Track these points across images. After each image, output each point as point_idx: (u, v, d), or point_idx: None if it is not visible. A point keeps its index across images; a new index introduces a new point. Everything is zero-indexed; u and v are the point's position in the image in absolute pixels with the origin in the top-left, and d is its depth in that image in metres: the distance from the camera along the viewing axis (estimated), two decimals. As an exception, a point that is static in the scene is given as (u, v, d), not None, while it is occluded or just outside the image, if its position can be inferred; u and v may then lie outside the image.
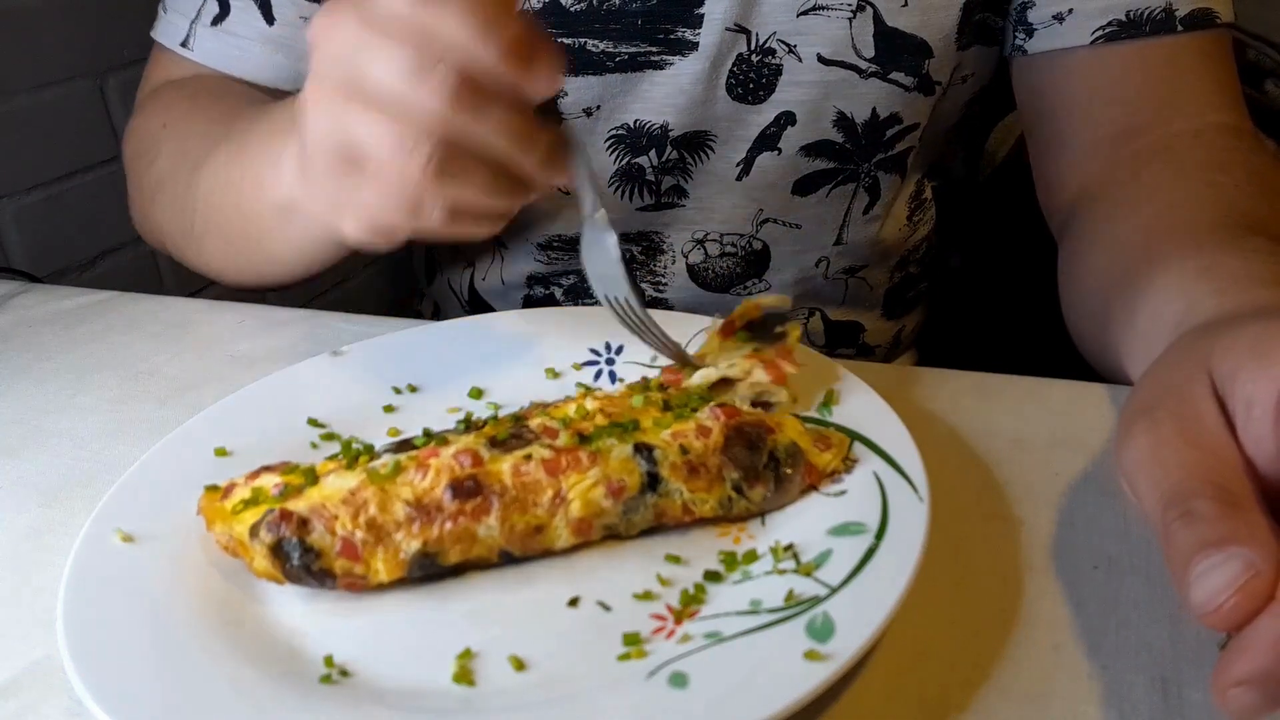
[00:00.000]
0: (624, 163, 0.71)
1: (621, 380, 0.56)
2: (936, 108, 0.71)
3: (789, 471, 0.45)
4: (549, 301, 0.81)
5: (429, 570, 0.43)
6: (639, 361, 0.57)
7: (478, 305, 0.86)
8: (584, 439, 0.45)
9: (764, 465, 0.45)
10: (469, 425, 0.49)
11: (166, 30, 0.75)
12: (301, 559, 0.42)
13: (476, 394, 0.57)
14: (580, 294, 0.80)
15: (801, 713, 0.35)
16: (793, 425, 0.47)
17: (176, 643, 0.40)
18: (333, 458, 0.47)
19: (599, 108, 0.69)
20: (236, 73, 0.72)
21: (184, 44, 0.73)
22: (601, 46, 0.66)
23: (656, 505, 0.44)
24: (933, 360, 0.91)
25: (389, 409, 0.56)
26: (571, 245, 0.77)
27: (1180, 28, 0.62)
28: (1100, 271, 0.58)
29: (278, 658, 0.40)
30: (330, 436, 0.54)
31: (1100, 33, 0.63)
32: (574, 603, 0.42)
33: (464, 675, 0.39)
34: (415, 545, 0.42)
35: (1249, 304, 0.43)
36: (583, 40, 0.66)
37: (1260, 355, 0.34)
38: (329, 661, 0.40)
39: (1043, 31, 0.65)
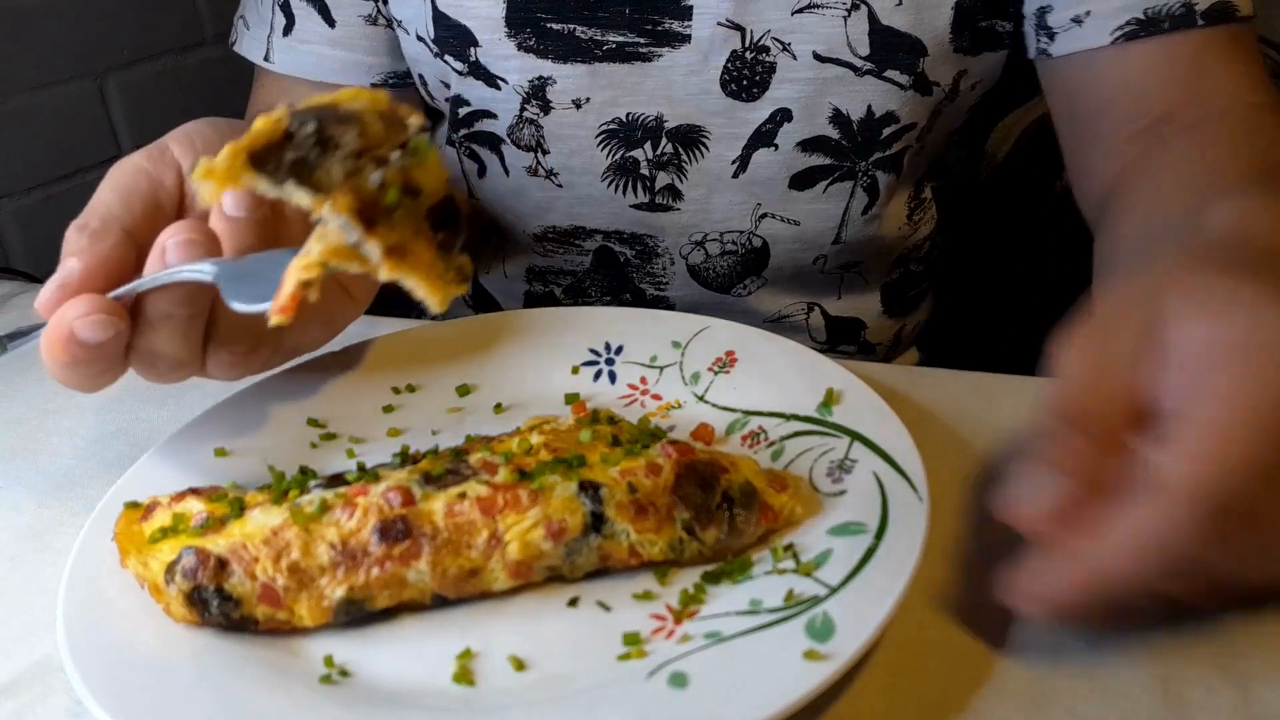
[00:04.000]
0: (618, 156, 0.71)
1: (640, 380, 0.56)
2: (942, 112, 0.71)
3: (743, 513, 0.43)
4: (548, 300, 0.81)
5: (356, 615, 0.41)
6: (639, 361, 0.57)
7: (481, 300, 0.86)
8: (526, 475, 0.43)
9: (717, 505, 0.43)
10: (405, 459, 0.47)
11: (250, 46, 0.77)
12: (220, 608, 0.40)
13: (464, 391, 0.57)
14: (579, 293, 0.80)
15: (801, 713, 0.35)
16: (748, 465, 0.45)
17: (176, 642, 0.40)
18: (265, 488, 0.46)
19: (589, 100, 0.69)
20: (313, 77, 0.75)
21: (266, 58, 0.76)
22: (589, 34, 0.67)
23: (601, 547, 0.42)
24: (934, 359, 0.91)
25: (389, 409, 0.56)
26: (566, 238, 0.77)
27: (1201, 21, 0.62)
28: (1134, 234, 0.58)
29: (278, 657, 0.40)
30: (330, 436, 0.54)
31: (1119, 32, 0.63)
32: (574, 603, 0.42)
33: (464, 675, 0.39)
34: (340, 591, 0.41)
35: (1239, 235, 0.41)
36: (571, 26, 0.67)
37: (1200, 309, 0.35)
38: (329, 661, 0.40)
39: (1063, 35, 0.66)
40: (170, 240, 0.44)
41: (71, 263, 0.44)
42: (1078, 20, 0.65)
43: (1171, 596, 0.37)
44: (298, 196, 0.40)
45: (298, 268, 0.40)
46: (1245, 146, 0.57)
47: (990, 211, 0.94)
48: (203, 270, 0.43)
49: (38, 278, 0.99)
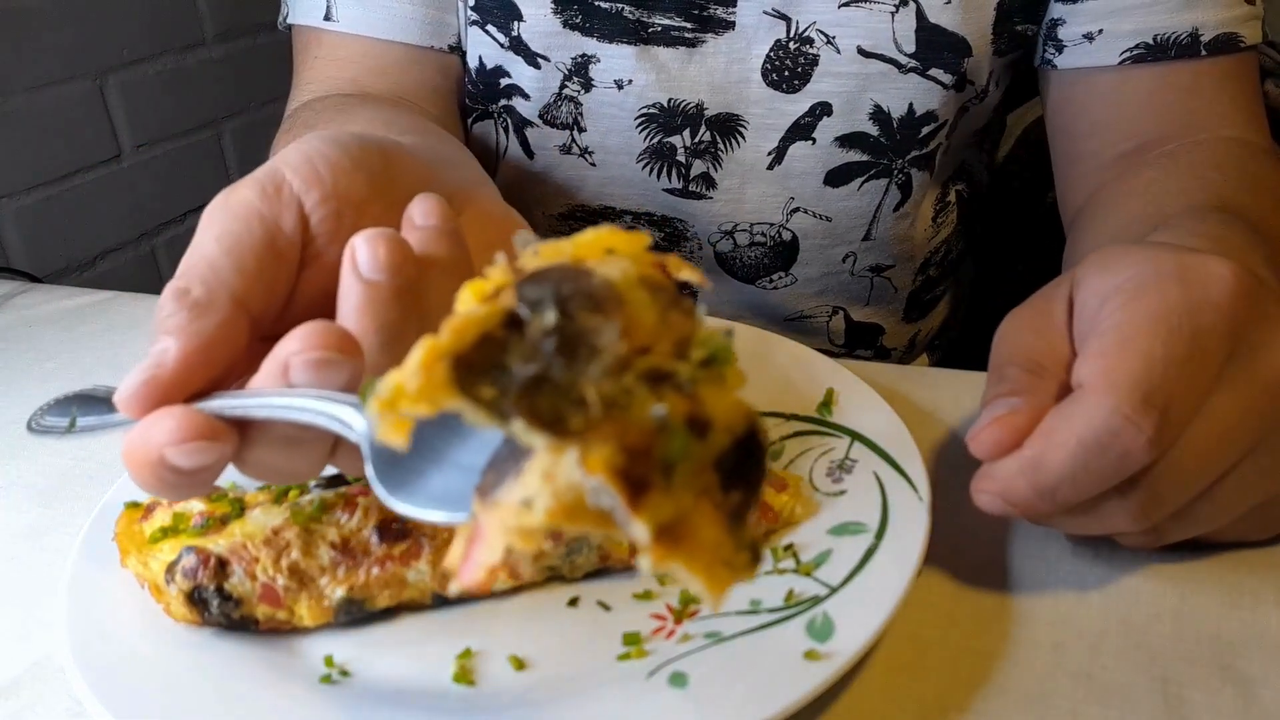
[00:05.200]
0: (655, 141, 0.71)
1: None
2: (969, 109, 0.71)
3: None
4: None
5: (356, 615, 0.41)
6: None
7: None
8: None
9: None
10: None
11: (304, 9, 0.71)
12: (220, 607, 0.40)
13: None
14: None
15: (801, 713, 0.35)
16: None
17: (176, 642, 0.40)
18: (265, 488, 0.45)
19: (631, 81, 0.68)
20: (384, 35, 0.69)
21: (327, 17, 0.70)
22: (637, 15, 0.67)
23: (601, 547, 0.42)
24: (943, 362, 0.91)
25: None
26: (593, 217, 0.76)
27: (1204, 52, 0.63)
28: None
29: (278, 657, 0.40)
30: (330, 436, 0.54)
31: (1127, 54, 0.64)
32: (574, 603, 0.42)
33: (464, 675, 0.39)
34: (340, 591, 0.41)
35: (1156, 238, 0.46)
36: (620, 6, 0.67)
37: (1099, 269, 0.40)
38: (329, 661, 0.40)
39: (1072, 49, 0.66)
40: (297, 356, 0.31)
41: (167, 346, 0.33)
42: (1089, 37, 0.65)
43: (1132, 528, 0.39)
44: (531, 440, 0.25)
45: (509, 523, 0.25)
46: (1201, 179, 0.58)
47: (992, 214, 0.94)
48: (346, 423, 0.31)
49: (38, 277, 0.99)
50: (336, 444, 0.34)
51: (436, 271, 0.35)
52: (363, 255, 0.33)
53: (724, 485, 0.26)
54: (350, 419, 0.30)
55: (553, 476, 0.24)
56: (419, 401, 0.25)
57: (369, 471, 0.31)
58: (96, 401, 0.40)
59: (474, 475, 0.27)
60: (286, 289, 0.36)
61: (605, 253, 0.28)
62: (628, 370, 0.26)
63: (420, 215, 0.37)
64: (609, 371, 0.26)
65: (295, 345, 0.31)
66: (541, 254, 0.29)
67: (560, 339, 0.26)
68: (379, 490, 0.30)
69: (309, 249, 0.36)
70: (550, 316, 0.26)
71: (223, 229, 0.35)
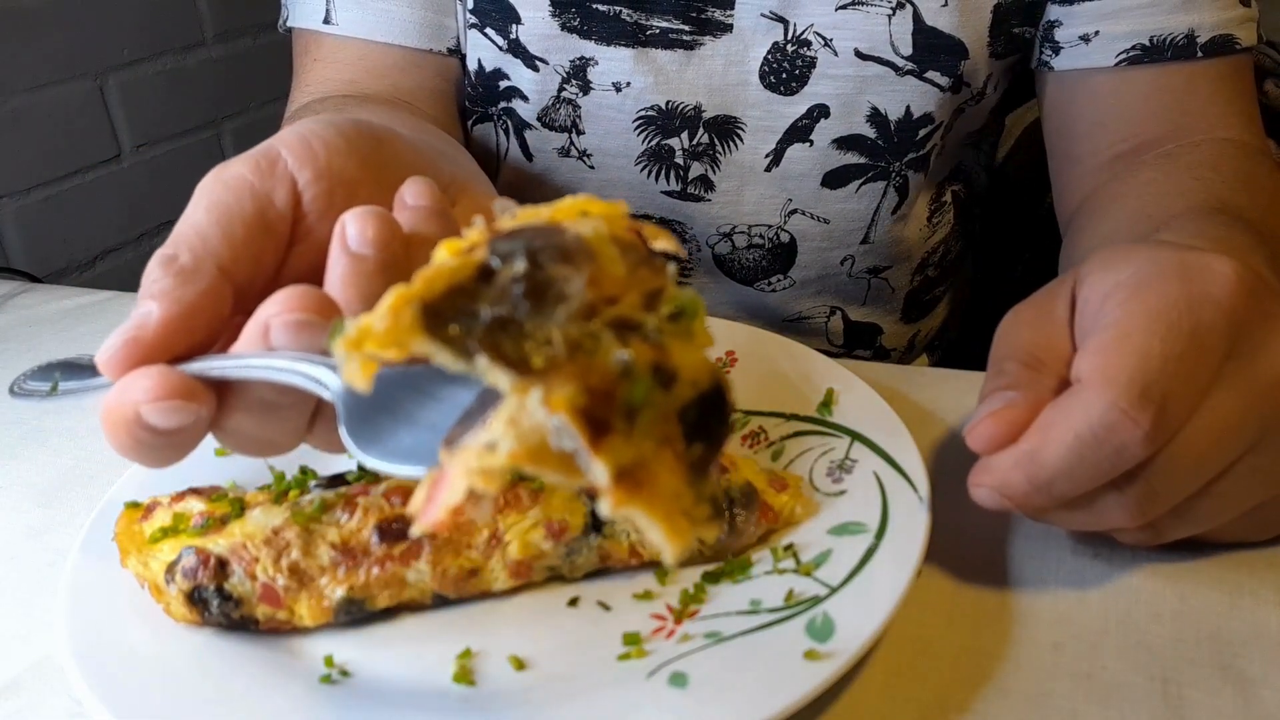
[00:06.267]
0: (654, 143, 0.71)
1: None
2: (965, 110, 0.71)
3: (743, 513, 0.43)
4: None
5: (356, 615, 0.41)
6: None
7: None
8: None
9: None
10: None
11: (303, 12, 0.71)
12: (220, 607, 0.40)
13: None
14: None
15: (801, 713, 0.35)
16: (748, 465, 0.45)
17: (177, 642, 0.40)
18: (265, 488, 0.45)
19: (629, 84, 0.68)
20: (383, 38, 0.69)
21: (326, 20, 0.70)
22: (635, 17, 0.67)
23: (601, 547, 0.42)
24: (942, 362, 0.91)
25: (389, 409, 0.56)
26: None
27: (1200, 54, 0.63)
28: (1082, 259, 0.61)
29: (278, 657, 0.40)
30: (330, 436, 0.54)
31: (1124, 56, 0.64)
32: (574, 603, 0.42)
33: (464, 675, 0.39)
34: (340, 591, 0.40)
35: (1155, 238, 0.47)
36: (618, 9, 0.67)
37: (1103, 267, 0.40)
38: (329, 661, 0.40)
39: (1069, 50, 0.67)
40: (277, 318, 0.32)
41: (149, 309, 0.33)
42: (1085, 39, 0.65)
43: (1128, 522, 0.39)
44: (495, 378, 0.26)
45: (471, 464, 0.26)
46: (1200, 180, 0.58)
47: (991, 215, 0.95)
48: (322, 382, 0.31)
49: (38, 277, 0.99)
50: (314, 416, 0.35)
51: (425, 251, 0.34)
52: (351, 230, 0.34)
53: (687, 437, 0.27)
54: (326, 378, 0.31)
55: (517, 421, 0.25)
56: (386, 342, 0.26)
57: (341, 430, 0.31)
58: (80, 368, 0.40)
59: (444, 433, 0.28)
60: (274, 262, 0.36)
61: (580, 216, 0.30)
62: (595, 317, 0.27)
63: (411, 196, 0.37)
64: (575, 317, 0.27)
65: (275, 308, 0.32)
66: (519, 217, 0.30)
67: (528, 285, 0.27)
68: (349, 444, 0.31)
69: (300, 226, 0.37)
70: (520, 265, 0.27)
71: (214, 200, 0.35)
